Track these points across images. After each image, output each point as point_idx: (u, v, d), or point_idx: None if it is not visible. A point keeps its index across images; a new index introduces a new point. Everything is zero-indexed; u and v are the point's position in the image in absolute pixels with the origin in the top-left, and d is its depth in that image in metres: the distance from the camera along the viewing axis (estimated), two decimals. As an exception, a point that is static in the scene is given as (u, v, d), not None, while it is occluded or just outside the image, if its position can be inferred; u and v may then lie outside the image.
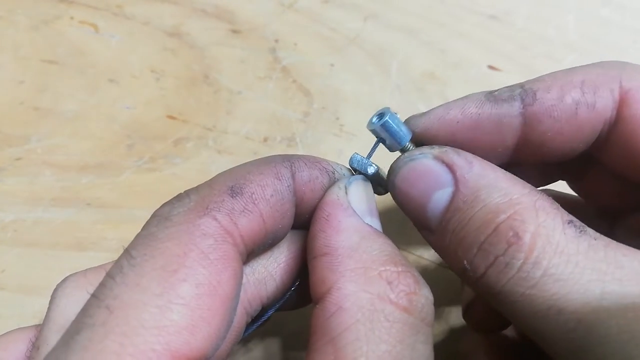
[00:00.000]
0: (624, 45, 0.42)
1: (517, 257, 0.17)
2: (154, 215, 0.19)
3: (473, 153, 0.21)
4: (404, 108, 0.40)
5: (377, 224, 0.21)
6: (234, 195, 0.19)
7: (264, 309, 0.23)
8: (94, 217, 0.36)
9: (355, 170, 0.24)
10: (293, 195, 0.21)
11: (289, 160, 0.21)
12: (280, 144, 0.39)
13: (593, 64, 0.23)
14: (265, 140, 0.39)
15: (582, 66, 0.23)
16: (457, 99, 0.23)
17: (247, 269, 0.22)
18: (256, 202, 0.19)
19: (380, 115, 0.23)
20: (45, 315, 0.27)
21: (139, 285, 0.16)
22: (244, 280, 0.21)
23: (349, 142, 0.39)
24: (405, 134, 0.23)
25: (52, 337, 0.25)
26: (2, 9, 0.46)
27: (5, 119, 0.41)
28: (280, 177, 0.20)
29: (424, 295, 0.18)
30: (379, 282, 0.18)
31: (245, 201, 0.19)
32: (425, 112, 0.23)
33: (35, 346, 0.24)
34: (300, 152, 0.39)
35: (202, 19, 0.45)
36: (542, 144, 0.23)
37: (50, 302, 0.25)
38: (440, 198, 0.20)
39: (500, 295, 0.18)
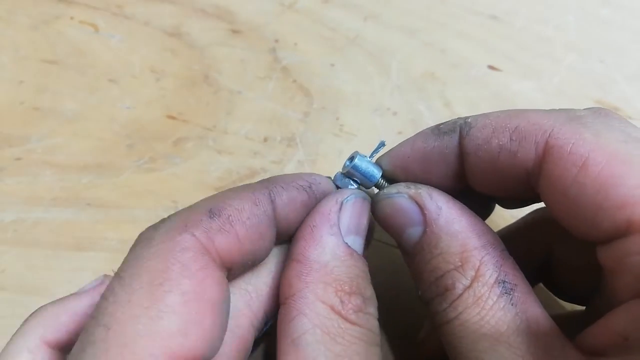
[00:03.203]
0: (624, 45, 0.42)
1: (446, 301, 0.22)
2: (139, 239, 0.20)
3: (429, 183, 0.24)
4: (404, 108, 0.40)
5: (358, 243, 0.24)
6: (212, 216, 0.21)
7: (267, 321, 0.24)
8: (94, 217, 0.36)
9: (337, 187, 0.26)
10: (271, 219, 0.22)
11: (266, 187, 0.23)
12: (280, 144, 0.39)
13: (547, 111, 0.22)
14: (265, 140, 0.39)
15: (533, 110, 0.22)
16: (413, 135, 0.25)
17: (250, 287, 0.24)
18: (233, 223, 0.21)
19: (352, 158, 0.26)
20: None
21: (130, 301, 0.18)
22: (248, 297, 0.23)
23: (349, 142, 0.39)
24: (375, 173, 0.26)
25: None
26: (2, 9, 0.46)
27: (5, 119, 0.41)
28: (257, 203, 0.22)
29: (370, 313, 0.22)
30: (334, 298, 0.21)
31: (222, 222, 0.21)
32: (388, 150, 0.26)
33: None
34: (300, 152, 0.39)
35: (202, 19, 0.45)
36: (480, 178, 0.23)
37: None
38: (412, 233, 0.23)
39: (435, 319, 0.22)
